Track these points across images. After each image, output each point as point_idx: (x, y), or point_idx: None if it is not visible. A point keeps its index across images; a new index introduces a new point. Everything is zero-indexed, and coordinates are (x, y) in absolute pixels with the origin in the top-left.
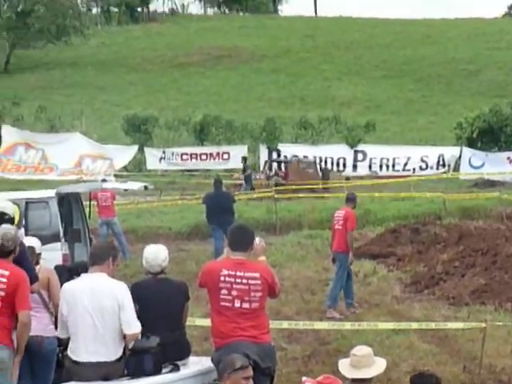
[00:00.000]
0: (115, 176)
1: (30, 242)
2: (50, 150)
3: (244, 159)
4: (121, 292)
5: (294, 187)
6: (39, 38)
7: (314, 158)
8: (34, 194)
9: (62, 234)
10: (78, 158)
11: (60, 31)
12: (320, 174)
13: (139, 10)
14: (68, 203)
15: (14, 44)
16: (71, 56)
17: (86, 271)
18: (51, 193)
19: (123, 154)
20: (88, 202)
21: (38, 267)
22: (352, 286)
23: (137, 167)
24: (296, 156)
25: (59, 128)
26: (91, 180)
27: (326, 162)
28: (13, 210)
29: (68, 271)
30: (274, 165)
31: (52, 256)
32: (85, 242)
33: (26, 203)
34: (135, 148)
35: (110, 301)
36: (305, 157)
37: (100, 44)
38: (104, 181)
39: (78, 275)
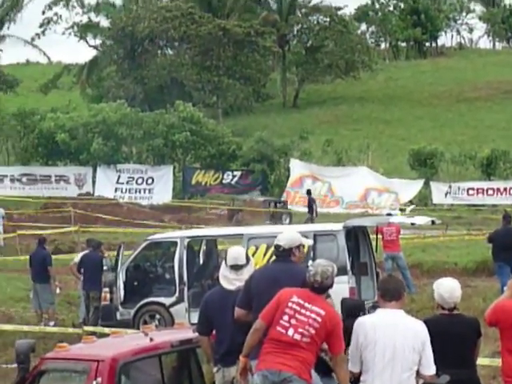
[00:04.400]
0: (400, 210)
1: None
2: (336, 183)
3: (308, 192)
4: (423, 330)
5: None
6: (328, 72)
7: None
8: (322, 227)
9: (349, 267)
10: (363, 191)
11: (349, 66)
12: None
13: (427, 44)
14: (355, 236)
15: (303, 79)
16: (359, 91)
17: (358, 311)
18: (339, 226)
19: (409, 188)
20: (374, 236)
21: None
22: None
23: (422, 201)
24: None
25: (346, 162)
26: (377, 214)
27: None
28: (307, 242)
29: (354, 307)
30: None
31: (339, 289)
32: (371, 275)
33: (315, 236)
34: (421, 182)
35: (413, 339)
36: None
37: (387, 78)
38: (390, 215)
39: (364, 311)
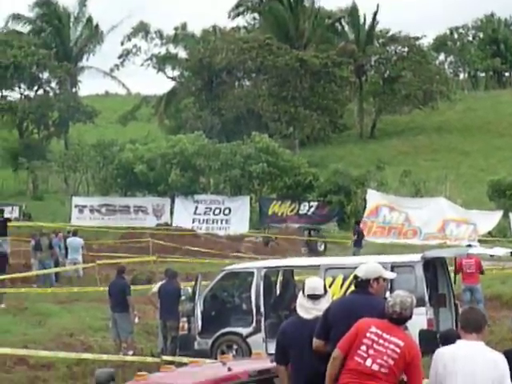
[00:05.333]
0: (479, 241)
1: None
2: (413, 213)
3: (357, 223)
4: (503, 363)
5: None
6: (406, 103)
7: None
8: (399, 258)
9: (427, 299)
10: (441, 222)
11: (427, 97)
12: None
13: (507, 74)
14: (433, 268)
15: (380, 109)
16: (437, 121)
17: (454, 339)
18: (417, 257)
19: (487, 219)
20: (453, 268)
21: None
22: None
23: (501, 232)
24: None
25: (423, 193)
26: (455, 245)
27: None
28: (389, 276)
29: (436, 337)
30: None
31: (417, 320)
32: (450, 307)
33: (392, 267)
34: (500, 213)
35: (492, 371)
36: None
37: (466, 109)
38: (469, 246)
39: (447, 342)
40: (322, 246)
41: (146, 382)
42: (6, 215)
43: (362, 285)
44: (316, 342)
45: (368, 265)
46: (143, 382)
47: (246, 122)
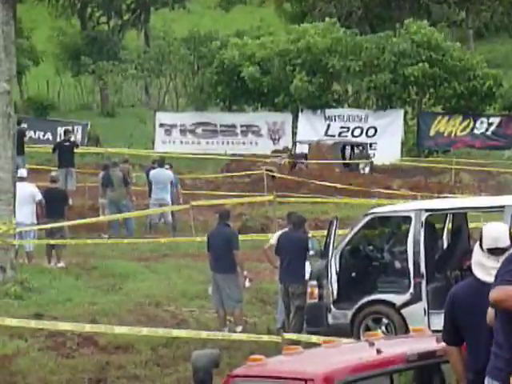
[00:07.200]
0: None
1: None
2: None
3: None
4: None
5: None
6: None
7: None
8: None
9: None
10: None
11: None
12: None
13: None
14: None
15: None
16: None
17: None
18: None
19: None
20: None
21: None
22: None
23: None
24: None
25: None
26: None
27: None
28: None
29: None
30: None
31: None
32: None
33: None
34: None
35: None
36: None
37: None
38: None
39: None
40: (367, 169)
41: (263, 368)
42: None
43: None
44: (489, 313)
45: None
46: (258, 369)
47: (399, 4)
